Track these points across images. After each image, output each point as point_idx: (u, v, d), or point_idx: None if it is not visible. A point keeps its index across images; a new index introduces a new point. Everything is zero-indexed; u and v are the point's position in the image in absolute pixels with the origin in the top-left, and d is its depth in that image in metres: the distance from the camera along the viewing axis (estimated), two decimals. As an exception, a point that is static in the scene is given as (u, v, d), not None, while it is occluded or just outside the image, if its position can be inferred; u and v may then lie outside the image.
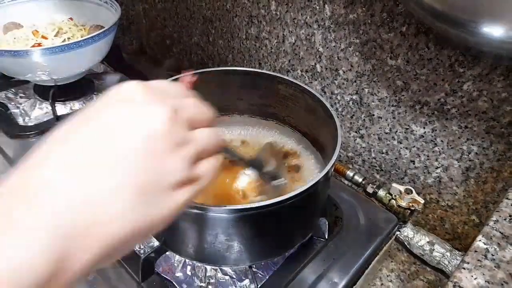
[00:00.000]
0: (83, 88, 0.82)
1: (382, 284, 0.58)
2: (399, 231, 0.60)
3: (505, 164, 0.51)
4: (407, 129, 0.59)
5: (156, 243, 0.48)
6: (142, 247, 0.53)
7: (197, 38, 0.90)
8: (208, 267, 0.49)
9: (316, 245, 0.53)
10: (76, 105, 0.79)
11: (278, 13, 0.67)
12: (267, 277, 0.49)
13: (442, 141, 0.56)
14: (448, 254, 0.57)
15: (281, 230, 0.44)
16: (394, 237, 0.58)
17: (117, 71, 0.89)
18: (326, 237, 0.54)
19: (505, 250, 0.37)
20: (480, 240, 0.38)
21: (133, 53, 1.09)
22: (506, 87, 0.47)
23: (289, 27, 0.66)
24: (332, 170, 0.45)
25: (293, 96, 0.56)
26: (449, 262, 0.56)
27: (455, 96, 0.52)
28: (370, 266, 0.53)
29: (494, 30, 0.38)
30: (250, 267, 0.48)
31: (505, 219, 0.40)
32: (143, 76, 0.88)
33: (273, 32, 0.70)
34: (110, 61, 0.91)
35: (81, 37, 0.76)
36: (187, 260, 0.50)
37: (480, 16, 0.38)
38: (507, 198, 0.42)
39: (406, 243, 0.61)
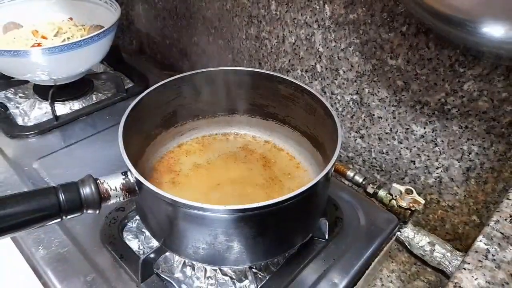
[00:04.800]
0: (82, 88, 0.81)
1: (382, 285, 0.58)
2: (400, 232, 0.60)
3: (505, 164, 0.51)
4: (407, 129, 0.59)
5: (155, 243, 0.48)
6: (141, 247, 0.52)
7: (197, 38, 0.90)
8: (208, 268, 0.49)
9: (316, 245, 0.53)
10: (75, 105, 0.79)
11: (278, 13, 0.67)
12: (267, 278, 0.49)
13: (442, 141, 0.56)
14: (449, 254, 0.57)
15: (281, 231, 0.44)
16: (394, 237, 0.58)
17: (117, 71, 0.89)
18: (326, 238, 0.53)
19: (506, 250, 0.37)
20: (480, 241, 0.38)
21: (133, 53, 1.09)
22: (506, 87, 0.47)
23: (289, 27, 0.66)
24: (332, 170, 0.45)
25: (293, 96, 0.56)
26: (449, 263, 0.56)
27: (455, 96, 0.51)
28: (371, 267, 0.53)
29: (494, 30, 0.38)
30: (250, 267, 0.48)
31: (505, 219, 0.39)
32: (142, 76, 0.88)
33: (273, 32, 0.70)
34: (110, 61, 0.91)
35: (81, 37, 0.76)
36: (186, 261, 0.50)
37: (480, 16, 0.38)
38: (507, 198, 0.42)
39: (406, 244, 0.60)
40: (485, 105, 0.49)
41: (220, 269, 0.50)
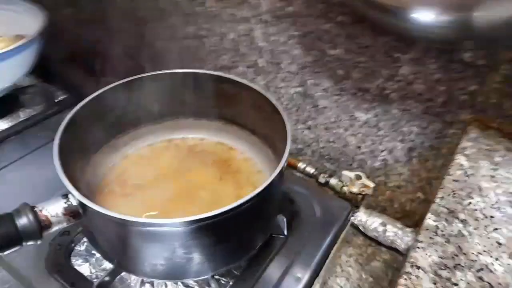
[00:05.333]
0: (7, 105, 0.75)
1: (342, 270, 0.59)
2: (353, 216, 0.62)
3: (442, 141, 0.54)
4: (351, 116, 0.60)
5: (109, 265, 0.45)
6: (93, 271, 0.49)
7: (131, 41, 0.85)
8: (169, 282, 0.47)
9: (276, 243, 0.53)
10: (1, 124, 0.72)
11: (214, 9, 0.65)
12: (230, 283, 0.48)
13: (384, 125, 0.58)
14: (400, 232, 0.59)
15: (241, 235, 0.44)
16: (349, 223, 0.60)
17: (47, 83, 0.83)
18: (285, 234, 0.54)
19: (452, 224, 0.39)
20: (429, 218, 0.39)
21: (65, 62, 1.01)
22: (438, 68, 0.49)
23: (227, 23, 0.65)
24: (285, 166, 0.45)
25: (238, 94, 0.55)
26: (401, 240, 0.59)
27: (393, 80, 0.53)
28: (331, 255, 0.54)
29: (424, 16, 0.40)
30: (213, 276, 0.47)
31: (449, 195, 0.42)
32: (75, 85, 0.83)
33: (212, 30, 0.68)
34: (39, 73, 0.84)
35: (1, 49, 0.69)
36: (144, 278, 0.47)
37: (410, 3, 0.40)
38: (448, 174, 0.45)
39: (361, 227, 0.62)
40: (421, 87, 0.52)
41: (181, 282, 0.48)
